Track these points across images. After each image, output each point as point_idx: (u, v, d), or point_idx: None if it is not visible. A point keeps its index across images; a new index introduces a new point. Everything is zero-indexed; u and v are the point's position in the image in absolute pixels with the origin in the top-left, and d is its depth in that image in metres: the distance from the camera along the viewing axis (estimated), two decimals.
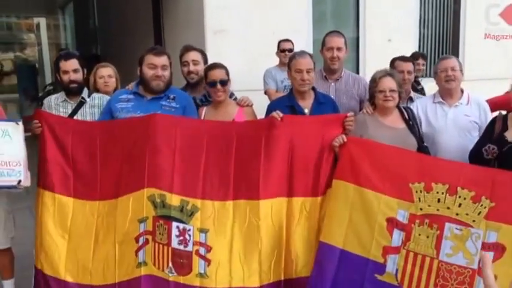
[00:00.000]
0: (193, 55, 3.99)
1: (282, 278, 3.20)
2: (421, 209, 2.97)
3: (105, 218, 3.27)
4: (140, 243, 3.19)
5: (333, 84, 4.06)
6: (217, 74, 3.55)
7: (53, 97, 3.91)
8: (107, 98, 3.91)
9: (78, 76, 3.78)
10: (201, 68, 3.95)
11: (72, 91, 3.79)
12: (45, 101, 3.92)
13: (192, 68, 3.95)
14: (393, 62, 4.41)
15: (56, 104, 3.82)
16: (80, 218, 3.30)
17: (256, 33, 5.81)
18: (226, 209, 3.15)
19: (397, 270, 2.99)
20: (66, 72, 3.75)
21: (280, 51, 5.46)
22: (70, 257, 3.31)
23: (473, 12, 7.59)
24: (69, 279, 3.30)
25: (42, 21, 18.70)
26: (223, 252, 3.13)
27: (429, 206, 2.95)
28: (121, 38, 10.11)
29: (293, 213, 3.19)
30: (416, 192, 2.98)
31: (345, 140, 3.14)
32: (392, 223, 3.00)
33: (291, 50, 5.27)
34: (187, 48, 4.06)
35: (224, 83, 3.53)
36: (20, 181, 3.31)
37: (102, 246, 3.26)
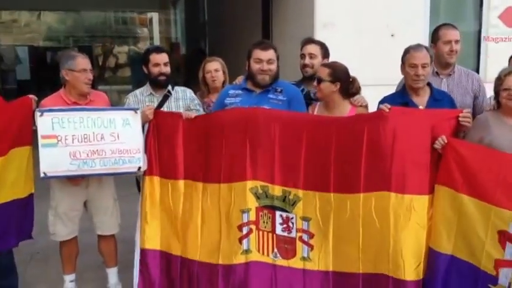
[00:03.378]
0: (310, 48, 3.93)
1: (390, 275, 3.09)
2: None
3: (210, 200, 3.40)
4: (244, 232, 3.34)
5: (444, 79, 3.85)
6: (319, 70, 3.53)
7: (137, 91, 4.01)
8: (189, 91, 4.02)
9: (168, 69, 3.89)
10: (317, 61, 3.89)
11: (160, 83, 3.89)
12: (130, 95, 4.00)
13: (307, 61, 3.90)
14: None
15: (142, 98, 3.92)
16: (190, 198, 3.46)
17: (368, 26, 5.56)
18: (327, 201, 3.18)
19: (509, 284, 2.80)
20: (157, 64, 3.85)
21: None
22: (182, 234, 3.50)
23: None
24: (181, 254, 3.51)
25: (155, 16, 19.60)
26: (325, 240, 3.22)
27: None
28: (229, 32, 10.25)
29: (399, 210, 3.07)
30: None
31: (445, 141, 2.97)
32: (504, 236, 2.80)
33: None
34: (307, 41, 4.02)
35: (319, 80, 3.43)
36: (139, 167, 3.48)
37: (209, 227, 3.42)
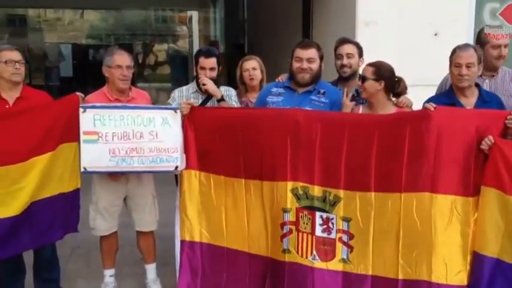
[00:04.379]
0: (348, 48, 3.91)
1: (432, 280, 3.05)
2: None
3: (253, 195, 3.43)
4: (284, 231, 3.36)
5: (487, 81, 3.76)
6: (364, 69, 3.49)
7: (184, 88, 4.06)
8: (232, 90, 4.05)
9: (213, 74, 3.87)
10: (354, 61, 3.89)
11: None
12: (177, 90, 4.06)
13: (345, 61, 3.88)
14: None
15: (187, 94, 3.97)
16: (232, 192, 3.50)
17: (411, 24, 5.44)
18: (368, 200, 3.16)
19: None
20: (203, 68, 3.85)
21: None
22: (230, 226, 3.55)
23: None
24: (231, 246, 3.56)
25: (195, 14, 19.69)
26: (365, 241, 3.20)
27: None
28: (269, 31, 10.22)
29: (442, 212, 3.03)
30: None
31: (492, 141, 2.90)
32: None
33: None
34: (343, 41, 3.99)
35: (363, 79, 3.39)
36: (177, 167, 3.51)
37: (254, 220, 3.47)
